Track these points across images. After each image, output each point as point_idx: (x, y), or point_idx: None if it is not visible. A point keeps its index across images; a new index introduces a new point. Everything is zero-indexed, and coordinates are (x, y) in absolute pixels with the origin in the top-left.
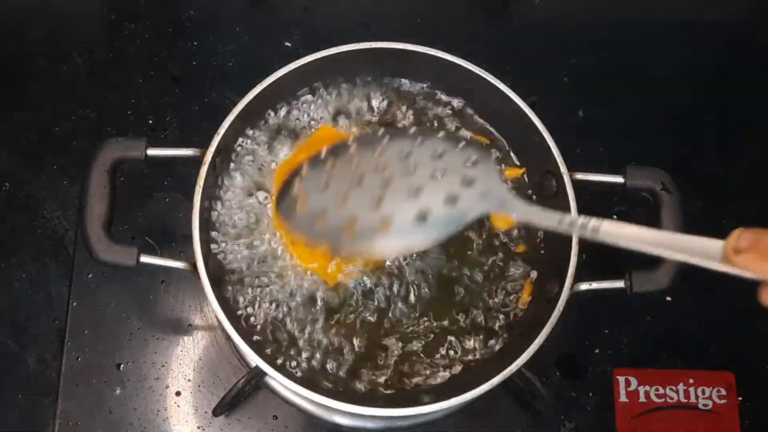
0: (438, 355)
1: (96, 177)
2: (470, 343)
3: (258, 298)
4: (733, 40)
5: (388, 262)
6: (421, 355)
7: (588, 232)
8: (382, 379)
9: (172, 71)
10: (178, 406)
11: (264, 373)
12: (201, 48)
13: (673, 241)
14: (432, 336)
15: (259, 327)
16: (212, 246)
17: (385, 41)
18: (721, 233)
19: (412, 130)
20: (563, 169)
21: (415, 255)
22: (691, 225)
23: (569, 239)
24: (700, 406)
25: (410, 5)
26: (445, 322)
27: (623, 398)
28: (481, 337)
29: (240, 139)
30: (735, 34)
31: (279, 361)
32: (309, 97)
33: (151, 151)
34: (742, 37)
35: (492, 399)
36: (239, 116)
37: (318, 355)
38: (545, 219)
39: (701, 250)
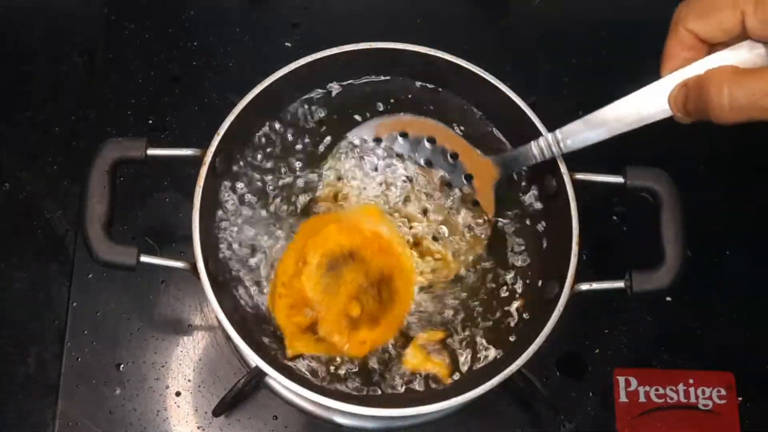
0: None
1: (96, 177)
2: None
3: (261, 298)
4: None
5: None
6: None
7: (560, 146)
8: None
9: (173, 71)
10: (178, 407)
11: (264, 374)
12: (201, 48)
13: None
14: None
15: (261, 326)
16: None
17: (385, 41)
18: (721, 233)
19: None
20: (563, 169)
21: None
22: (692, 224)
23: (569, 239)
24: (700, 406)
25: (410, 5)
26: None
27: (623, 398)
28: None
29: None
30: None
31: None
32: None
33: (151, 151)
34: None
35: (492, 399)
36: (240, 116)
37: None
38: (525, 158)
39: (656, 110)
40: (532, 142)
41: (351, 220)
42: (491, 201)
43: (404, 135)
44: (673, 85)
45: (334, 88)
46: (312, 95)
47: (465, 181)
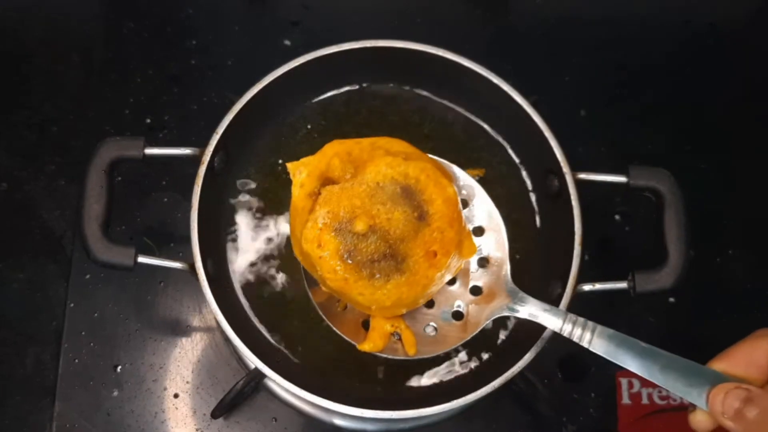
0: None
1: (94, 177)
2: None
3: (266, 297)
4: (734, 39)
5: None
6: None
7: (588, 341)
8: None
9: (171, 70)
10: (177, 409)
11: (263, 375)
12: (200, 47)
13: (664, 366)
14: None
15: (260, 327)
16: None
17: (385, 40)
18: (721, 234)
19: None
20: (566, 168)
21: None
22: (695, 224)
23: (571, 239)
24: None
25: (411, 4)
26: None
27: (626, 400)
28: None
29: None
30: (736, 34)
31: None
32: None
33: (150, 151)
34: (742, 36)
35: (493, 401)
36: (239, 116)
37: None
38: (549, 320)
39: (686, 387)
40: (569, 315)
41: (323, 159)
42: (476, 326)
43: None
44: (716, 381)
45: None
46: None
47: (468, 295)
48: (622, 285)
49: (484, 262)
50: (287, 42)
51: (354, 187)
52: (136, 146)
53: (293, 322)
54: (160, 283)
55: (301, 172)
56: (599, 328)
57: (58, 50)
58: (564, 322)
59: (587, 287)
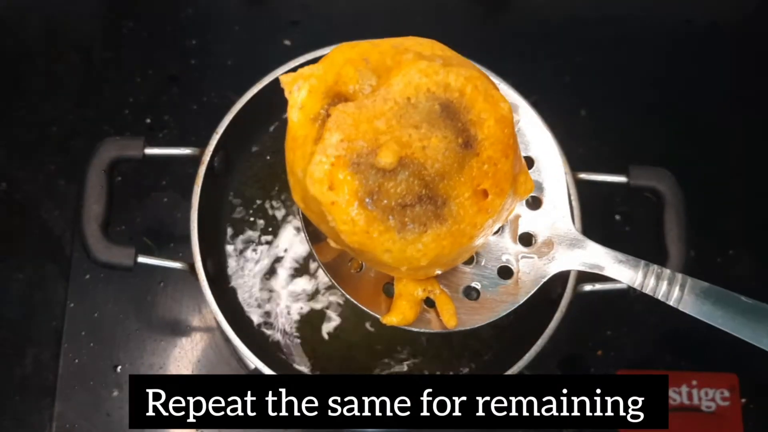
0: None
1: (93, 177)
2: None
3: (265, 297)
4: (735, 39)
5: None
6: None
7: (677, 296)
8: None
9: (171, 70)
10: None
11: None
12: (199, 47)
13: None
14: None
15: (260, 327)
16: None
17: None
18: (721, 234)
19: None
20: (566, 168)
21: None
22: (693, 225)
23: None
24: (703, 408)
25: (411, 3)
26: None
27: None
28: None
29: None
30: (737, 34)
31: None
32: None
33: (149, 151)
34: (743, 36)
35: None
36: (239, 115)
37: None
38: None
39: None
40: (651, 266)
41: (332, 68)
42: (532, 286)
43: None
44: None
45: None
46: None
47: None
48: (622, 285)
49: (536, 203)
50: (287, 42)
51: (376, 104)
52: (136, 146)
53: (293, 323)
54: (159, 283)
55: (300, 88)
56: (690, 281)
57: (58, 50)
58: (645, 276)
59: (587, 287)
